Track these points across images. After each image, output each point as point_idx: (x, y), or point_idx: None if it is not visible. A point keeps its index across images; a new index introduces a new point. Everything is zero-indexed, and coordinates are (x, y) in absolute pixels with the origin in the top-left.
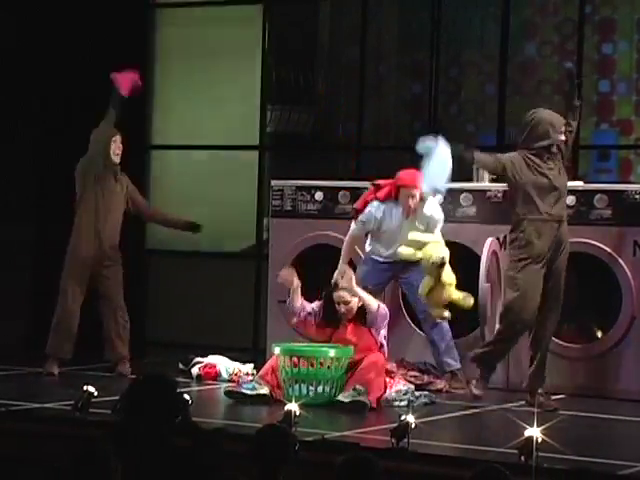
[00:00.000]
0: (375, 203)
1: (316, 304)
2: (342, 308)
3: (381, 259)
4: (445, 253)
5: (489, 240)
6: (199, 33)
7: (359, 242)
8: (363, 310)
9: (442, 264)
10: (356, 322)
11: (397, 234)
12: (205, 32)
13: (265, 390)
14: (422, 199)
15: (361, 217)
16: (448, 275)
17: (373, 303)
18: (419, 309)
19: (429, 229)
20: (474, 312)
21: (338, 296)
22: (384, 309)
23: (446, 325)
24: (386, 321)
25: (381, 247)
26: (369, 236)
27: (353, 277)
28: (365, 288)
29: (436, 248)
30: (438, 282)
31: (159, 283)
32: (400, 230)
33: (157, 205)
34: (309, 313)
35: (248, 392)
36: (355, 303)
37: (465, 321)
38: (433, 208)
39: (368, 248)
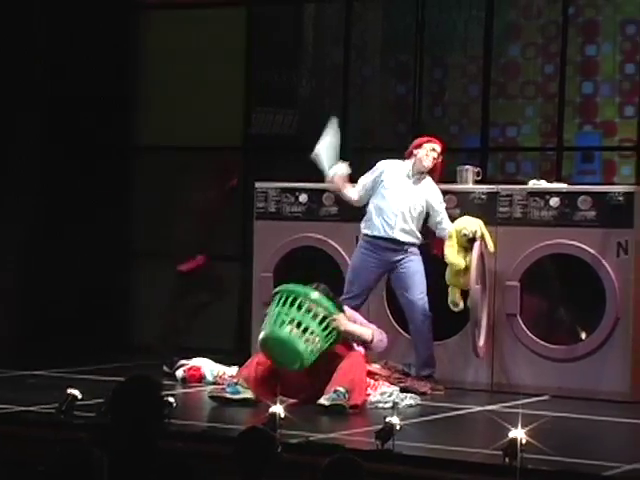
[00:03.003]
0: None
1: None
2: None
3: (381, 242)
4: (477, 227)
5: (477, 243)
6: (183, 35)
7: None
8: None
9: (474, 238)
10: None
11: (399, 197)
12: (189, 34)
13: (249, 394)
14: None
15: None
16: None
17: (366, 334)
18: (411, 309)
19: (429, 209)
20: (459, 313)
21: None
22: (379, 336)
23: (430, 331)
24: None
25: (381, 216)
26: (369, 209)
27: (344, 317)
28: (351, 284)
29: (468, 221)
30: (466, 264)
31: (142, 285)
32: (402, 194)
33: (141, 207)
34: None
35: (232, 397)
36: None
37: (451, 322)
38: (432, 188)
39: (366, 230)
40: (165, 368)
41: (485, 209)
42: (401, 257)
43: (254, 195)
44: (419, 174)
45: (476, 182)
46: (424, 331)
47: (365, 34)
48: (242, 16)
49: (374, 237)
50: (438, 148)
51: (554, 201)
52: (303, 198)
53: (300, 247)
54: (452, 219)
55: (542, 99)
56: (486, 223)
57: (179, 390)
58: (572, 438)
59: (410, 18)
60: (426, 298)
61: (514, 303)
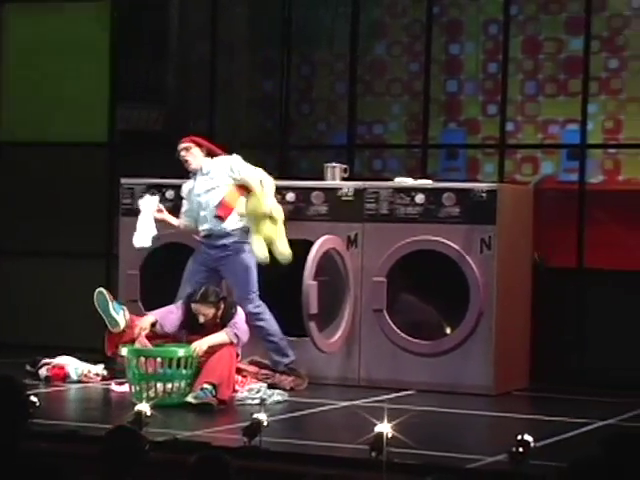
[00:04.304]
0: None
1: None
2: (201, 318)
3: (202, 239)
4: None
5: (323, 238)
6: (47, 27)
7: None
8: (223, 317)
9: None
10: (217, 329)
11: (203, 200)
12: (53, 27)
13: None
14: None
15: None
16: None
17: (223, 339)
18: (242, 306)
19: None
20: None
21: (195, 308)
22: (234, 338)
23: (268, 325)
24: (244, 331)
25: (198, 222)
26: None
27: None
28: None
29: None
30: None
31: (5, 283)
32: (203, 197)
33: (5, 204)
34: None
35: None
36: (212, 312)
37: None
38: (217, 168)
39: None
40: (28, 367)
41: (352, 206)
42: (223, 255)
43: (120, 191)
44: (197, 171)
45: (343, 179)
46: (260, 327)
47: (231, 29)
48: (106, 9)
49: (202, 237)
50: (181, 149)
51: (419, 198)
52: (170, 195)
53: (166, 244)
54: (320, 216)
55: (408, 97)
56: (353, 219)
57: (42, 389)
58: (437, 432)
59: (277, 14)
60: (254, 295)
61: (381, 298)
